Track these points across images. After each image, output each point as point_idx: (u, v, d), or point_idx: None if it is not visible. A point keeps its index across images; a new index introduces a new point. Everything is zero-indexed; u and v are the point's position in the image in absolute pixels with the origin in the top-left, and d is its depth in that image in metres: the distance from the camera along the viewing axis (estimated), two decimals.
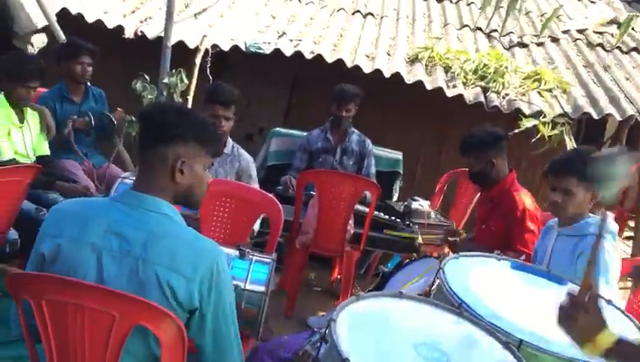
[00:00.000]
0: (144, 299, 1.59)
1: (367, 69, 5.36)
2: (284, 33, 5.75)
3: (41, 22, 5.07)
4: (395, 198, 5.01)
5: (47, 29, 5.07)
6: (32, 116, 3.75)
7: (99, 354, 1.61)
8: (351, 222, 4.02)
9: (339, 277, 4.49)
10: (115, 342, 1.59)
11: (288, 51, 5.42)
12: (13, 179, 2.66)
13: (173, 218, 1.75)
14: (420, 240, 4.13)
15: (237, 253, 2.34)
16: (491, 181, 3.39)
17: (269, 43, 5.46)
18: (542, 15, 7.25)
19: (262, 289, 2.26)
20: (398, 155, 5.09)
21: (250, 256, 2.35)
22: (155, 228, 1.68)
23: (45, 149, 3.85)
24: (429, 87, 5.26)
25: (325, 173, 4.26)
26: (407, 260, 3.57)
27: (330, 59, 5.39)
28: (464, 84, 5.41)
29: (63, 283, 1.60)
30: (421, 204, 4.43)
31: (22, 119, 3.67)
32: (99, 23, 5.37)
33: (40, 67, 3.59)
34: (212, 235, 3.03)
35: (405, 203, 4.54)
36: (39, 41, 5.08)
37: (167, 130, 1.72)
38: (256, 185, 3.56)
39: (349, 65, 5.35)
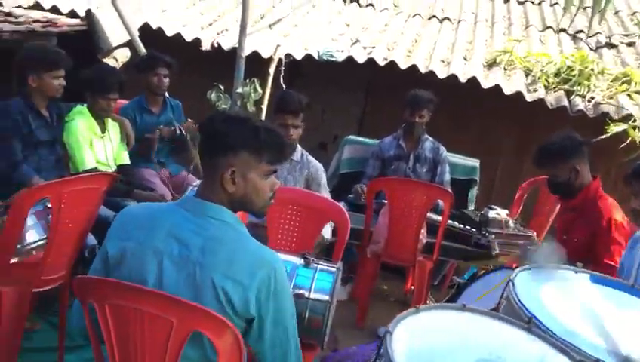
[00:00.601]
0: (202, 306, 1.59)
1: (441, 74, 5.24)
2: (357, 40, 5.72)
3: (124, 37, 5.31)
4: (472, 207, 4.85)
5: (129, 44, 5.30)
6: (112, 127, 3.91)
7: (158, 358, 1.62)
8: (423, 231, 3.91)
9: (412, 287, 4.38)
10: (173, 347, 1.60)
11: (361, 58, 5.39)
12: (90, 187, 2.75)
13: (233, 225, 1.75)
14: (496, 250, 3.97)
15: (302, 261, 2.32)
16: (574, 190, 3.19)
17: (341, 51, 5.45)
18: (632, 14, 6.84)
19: (326, 298, 2.22)
20: (474, 163, 4.93)
21: (315, 265, 2.32)
22: (214, 234, 1.69)
23: (125, 158, 4.00)
24: (507, 91, 5.08)
25: (396, 180, 4.18)
26: (483, 271, 3.43)
27: (403, 65, 5.31)
28: (546, 87, 5.18)
29: (124, 288, 1.63)
30: (498, 213, 4.24)
31: (103, 129, 3.83)
32: (177, 36, 5.55)
33: (120, 80, 3.74)
34: (279, 243, 3.03)
35: (482, 212, 4.38)
36: (122, 55, 5.32)
37: (217, 139, 1.73)
38: (325, 193, 3.53)
39: (423, 70, 5.25)
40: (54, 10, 5.61)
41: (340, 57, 5.39)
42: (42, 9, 5.61)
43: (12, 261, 2.58)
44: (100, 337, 1.70)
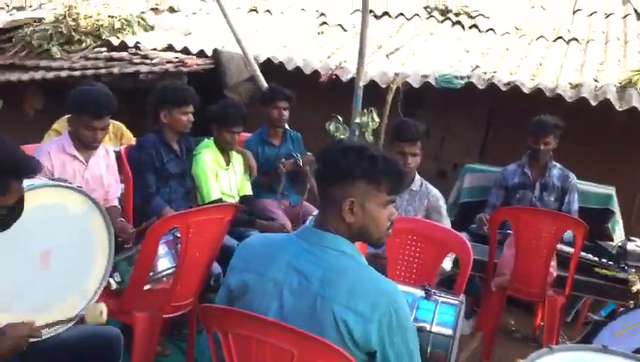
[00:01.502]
0: (323, 339, 1.57)
1: (570, 97, 4.96)
2: (477, 66, 5.58)
3: (247, 73, 5.56)
4: (617, 241, 4.48)
5: (252, 79, 5.53)
6: (237, 159, 4.07)
7: None
8: (553, 263, 3.66)
9: (542, 323, 4.11)
10: None
11: (481, 84, 5.24)
12: (216, 217, 2.86)
13: (352, 256, 1.73)
14: (638, 286, 3.63)
15: (422, 293, 2.25)
16: None
17: (461, 77, 5.33)
18: None
19: (449, 332, 2.13)
20: (609, 190, 4.59)
21: (437, 297, 2.24)
22: (332, 265, 1.68)
23: (248, 189, 4.14)
24: None
25: (522, 209, 3.96)
26: (623, 309, 3.15)
27: (527, 89, 5.09)
28: None
29: (247, 318, 1.66)
30: (638, 245, 3.90)
31: (228, 162, 3.99)
32: (297, 70, 5.71)
33: (243, 114, 3.90)
34: (398, 275, 2.97)
35: (620, 243, 4.04)
36: (246, 89, 5.57)
37: (335, 169, 1.72)
38: (446, 223, 3.43)
39: (549, 94, 5.00)
40: (185, 51, 6.00)
41: (459, 84, 5.27)
42: (175, 50, 6.02)
43: (145, 288, 2.72)
44: None
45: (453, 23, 6.94)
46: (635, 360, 1.52)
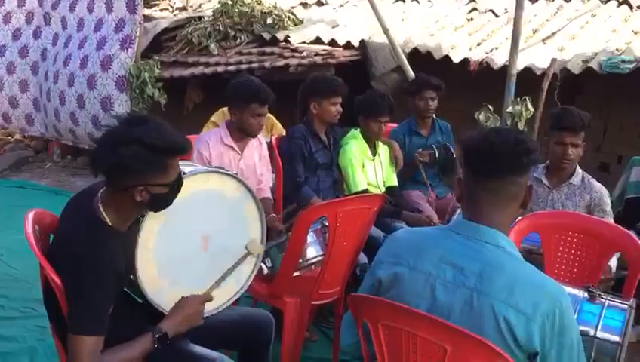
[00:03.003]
0: (478, 336, 1.50)
1: None
2: None
3: (394, 63, 5.51)
4: None
5: (399, 69, 5.48)
6: (383, 149, 4.04)
7: None
8: None
9: None
10: None
11: None
12: (363, 207, 2.86)
13: (510, 251, 1.64)
14: None
15: (586, 294, 2.08)
16: None
17: (629, 61, 4.87)
18: None
19: (616, 338, 1.95)
20: None
21: (603, 300, 2.06)
22: (491, 260, 1.60)
23: (394, 180, 4.09)
24: None
25: None
26: None
27: None
28: None
29: (398, 310, 1.62)
30: None
31: (374, 152, 3.97)
32: (446, 58, 5.55)
33: (390, 103, 3.85)
34: (556, 273, 2.76)
35: None
36: (392, 80, 5.52)
37: (506, 162, 1.62)
38: (610, 220, 3.14)
39: None
40: (333, 43, 6.09)
41: (627, 68, 4.81)
42: (322, 43, 6.14)
43: (295, 274, 2.79)
44: (372, 355, 1.71)
45: (620, 3, 6.36)
46: None
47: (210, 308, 2.14)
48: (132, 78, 6.21)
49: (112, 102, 6.38)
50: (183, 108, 6.67)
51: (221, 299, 2.21)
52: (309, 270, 2.89)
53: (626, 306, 2.03)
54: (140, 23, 6.29)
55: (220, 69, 6.10)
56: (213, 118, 4.31)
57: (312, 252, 2.89)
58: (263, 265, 2.69)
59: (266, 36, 6.46)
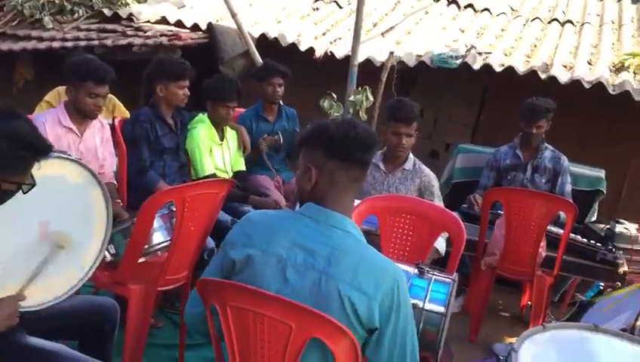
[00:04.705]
0: (320, 313, 1.59)
1: (563, 79, 4.98)
2: (472, 46, 5.57)
3: (242, 48, 5.52)
4: (592, 219, 4.56)
5: (247, 54, 5.49)
6: (230, 134, 4.06)
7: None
8: (543, 244, 3.72)
9: (529, 303, 4.18)
10: (291, 353, 1.62)
11: (476, 65, 5.24)
12: (210, 192, 2.86)
13: (355, 236, 1.75)
14: (624, 267, 3.70)
15: (416, 271, 2.28)
16: None
17: (456, 57, 5.33)
18: None
19: (441, 309, 2.16)
20: (599, 173, 4.64)
21: (430, 275, 2.27)
22: (339, 244, 1.69)
23: (242, 165, 4.14)
24: (637, 97, 4.73)
25: (513, 191, 4.00)
26: (610, 289, 3.21)
27: (521, 70, 5.10)
28: None
29: (246, 292, 1.67)
30: (627, 228, 3.98)
31: (222, 137, 3.98)
32: (292, 46, 5.68)
33: (237, 88, 3.88)
34: (391, 252, 2.99)
35: (608, 226, 4.11)
36: (240, 65, 5.53)
37: (341, 149, 1.72)
38: (438, 203, 3.45)
39: (543, 76, 5.02)
40: (179, 24, 5.94)
41: (454, 64, 5.27)
42: (168, 23, 5.96)
43: (140, 261, 2.73)
44: (220, 336, 1.75)
45: (449, 2, 6.92)
46: (626, 339, 1.56)
47: (49, 298, 2.04)
48: None
49: None
50: (12, 86, 6.12)
51: (61, 289, 2.11)
52: (155, 255, 2.84)
53: (449, 280, 2.25)
54: None
55: (55, 44, 5.67)
56: (47, 98, 4.02)
57: (159, 237, 2.84)
58: (107, 252, 2.60)
59: (107, 12, 6.12)
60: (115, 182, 3.43)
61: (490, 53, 5.45)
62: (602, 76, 4.93)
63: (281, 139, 4.32)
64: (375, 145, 1.78)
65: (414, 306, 2.11)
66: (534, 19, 6.47)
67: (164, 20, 6.02)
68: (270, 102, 4.37)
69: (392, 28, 6.20)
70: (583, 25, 6.27)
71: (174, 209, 2.75)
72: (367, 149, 1.76)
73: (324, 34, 6.05)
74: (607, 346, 1.53)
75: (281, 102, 4.46)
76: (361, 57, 5.16)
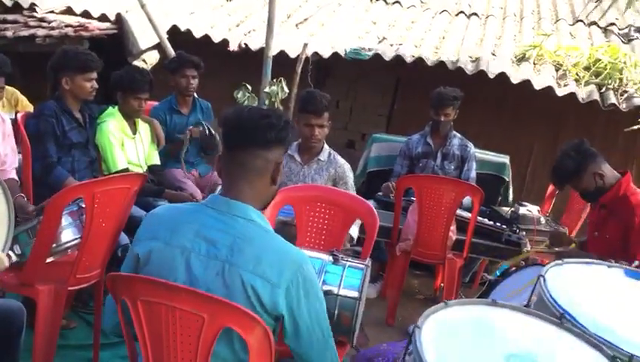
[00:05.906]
0: (232, 303, 1.60)
1: (470, 70, 5.20)
2: (384, 38, 5.71)
3: (153, 40, 5.39)
4: (508, 204, 4.80)
5: (158, 46, 5.37)
6: (143, 127, 3.97)
7: (190, 354, 1.65)
8: (453, 228, 3.88)
9: (442, 285, 4.35)
10: (204, 344, 1.62)
11: (388, 56, 5.37)
12: (122, 187, 2.79)
13: (259, 224, 1.75)
14: (528, 247, 3.92)
15: (330, 258, 2.33)
16: (605, 190, 3.13)
17: (368, 49, 5.44)
18: None
19: (355, 294, 2.22)
20: (504, 159, 4.88)
21: (344, 262, 2.32)
22: (241, 233, 1.70)
23: (156, 159, 4.06)
24: (537, 86, 5.01)
25: (424, 177, 4.15)
26: (514, 268, 3.39)
27: (431, 62, 5.28)
28: (576, 81, 5.10)
29: (156, 285, 1.66)
30: (529, 210, 4.21)
31: (134, 130, 3.89)
32: (206, 37, 5.60)
33: (150, 80, 3.79)
34: (308, 241, 3.04)
35: (512, 208, 4.34)
36: (152, 57, 5.40)
37: (251, 135, 1.72)
38: (352, 191, 3.53)
39: (451, 67, 5.21)
40: (86, 14, 5.72)
41: (367, 55, 5.38)
42: (74, 14, 5.72)
43: (48, 260, 2.63)
44: (133, 334, 1.73)
45: None
46: (519, 311, 1.67)
47: None
48: None
49: None
50: None
51: None
52: (64, 254, 2.74)
53: (363, 266, 2.32)
54: None
55: None
56: None
57: (68, 235, 2.74)
58: (11, 253, 2.49)
59: (7, 2, 5.79)
60: (18, 179, 3.27)
61: (401, 44, 5.59)
62: (505, 67, 5.17)
63: (207, 130, 4.22)
64: (260, 128, 1.71)
65: (329, 292, 2.17)
66: (442, 11, 6.69)
67: (69, 10, 5.77)
68: (184, 94, 4.30)
69: (305, 20, 6.23)
70: (487, 17, 6.55)
71: (84, 205, 2.67)
72: (238, 131, 1.72)
73: (237, 25, 6.00)
74: (503, 318, 1.63)
75: (195, 95, 4.40)
76: (275, 49, 5.17)
